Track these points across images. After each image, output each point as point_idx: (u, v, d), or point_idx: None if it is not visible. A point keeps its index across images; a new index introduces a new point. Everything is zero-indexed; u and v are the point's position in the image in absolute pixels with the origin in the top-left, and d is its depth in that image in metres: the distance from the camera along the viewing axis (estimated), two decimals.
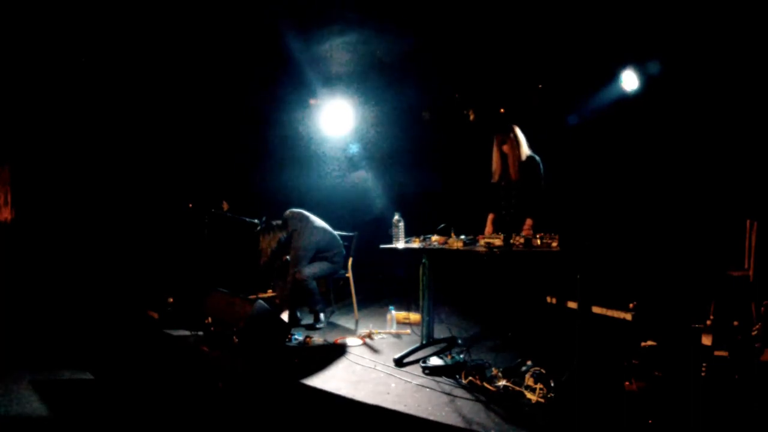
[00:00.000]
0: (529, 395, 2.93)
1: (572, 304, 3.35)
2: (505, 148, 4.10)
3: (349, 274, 5.00)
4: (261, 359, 3.82)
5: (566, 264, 3.18)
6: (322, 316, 4.76)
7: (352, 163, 7.19)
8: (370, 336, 4.34)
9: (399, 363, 3.61)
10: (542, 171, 4.05)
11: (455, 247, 3.55)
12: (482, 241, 3.44)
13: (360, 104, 6.50)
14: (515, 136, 4.06)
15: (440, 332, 4.14)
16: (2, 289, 4.93)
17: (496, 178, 4.21)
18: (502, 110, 6.05)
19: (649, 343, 2.77)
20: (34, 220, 5.36)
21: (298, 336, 4.34)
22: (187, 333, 4.52)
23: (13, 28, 4.72)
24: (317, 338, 4.32)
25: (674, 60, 4.73)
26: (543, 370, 3.04)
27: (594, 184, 5.19)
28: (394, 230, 3.86)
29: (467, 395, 3.02)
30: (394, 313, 4.56)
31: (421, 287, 3.96)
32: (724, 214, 3.75)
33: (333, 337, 4.35)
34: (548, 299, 3.71)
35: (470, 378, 3.21)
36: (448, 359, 3.47)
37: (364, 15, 5.13)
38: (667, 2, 4.48)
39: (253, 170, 6.58)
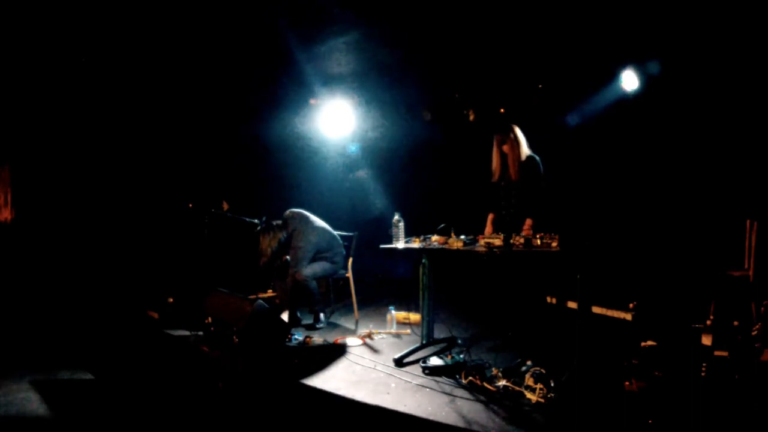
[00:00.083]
0: (529, 395, 2.94)
1: (572, 304, 3.35)
2: (505, 148, 4.10)
3: (349, 274, 5.00)
4: (261, 359, 3.82)
5: (566, 264, 3.18)
6: (322, 316, 4.76)
7: (352, 163, 7.18)
8: (370, 336, 4.35)
9: (399, 363, 3.61)
10: (542, 171, 4.05)
11: (455, 247, 3.55)
12: (482, 241, 3.44)
13: (360, 104, 6.50)
14: (515, 136, 4.06)
15: (440, 332, 4.13)
16: (2, 289, 4.93)
17: (495, 178, 4.21)
18: (501, 110, 6.06)
19: (649, 343, 2.77)
20: (34, 221, 5.37)
21: (298, 336, 4.34)
22: (187, 333, 4.52)
23: (13, 28, 4.72)
24: (317, 338, 4.32)
25: (674, 60, 4.73)
26: (543, 370, 3.04)
27: (594, 184, 5.20)
28: (394, 230, 3.86)
29: (467, 395, 3.02)
30: (394, 313, 4.56)
31: (421, 287, 3.96)
32: (724, 214, 3.75)
33: (333, 337, 4.35)
34: (548, 299, 3.70)
35: (470, 378, 3.21)
36: (448, 359, 3.47)
37: (364, 15, 5.12)
38: (666, 2, 4.48)
39: (253, 170, 6.58)
